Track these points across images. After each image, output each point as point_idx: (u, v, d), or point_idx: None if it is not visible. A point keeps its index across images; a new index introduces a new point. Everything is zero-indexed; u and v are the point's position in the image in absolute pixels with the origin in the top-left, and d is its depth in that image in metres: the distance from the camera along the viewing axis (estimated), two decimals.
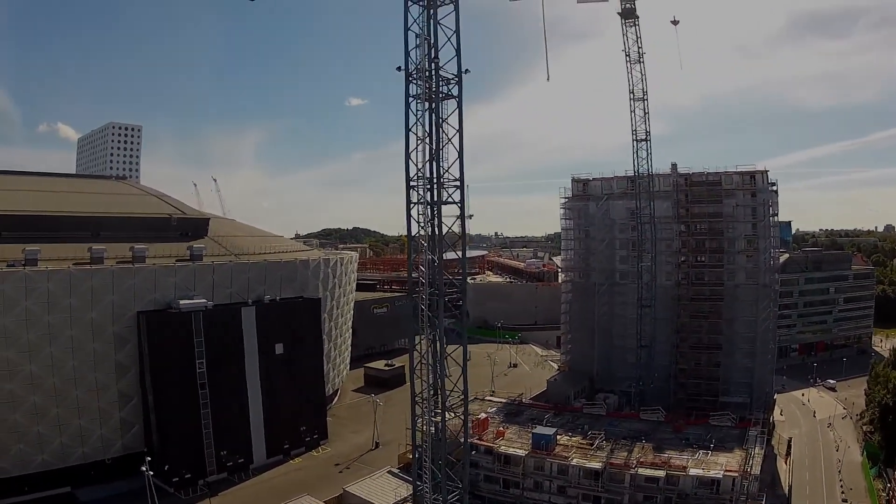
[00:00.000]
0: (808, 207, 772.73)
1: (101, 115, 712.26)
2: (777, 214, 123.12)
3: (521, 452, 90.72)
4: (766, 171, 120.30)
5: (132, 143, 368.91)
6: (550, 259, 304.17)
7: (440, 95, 59.03)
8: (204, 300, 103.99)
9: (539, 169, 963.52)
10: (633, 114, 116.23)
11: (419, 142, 59.27)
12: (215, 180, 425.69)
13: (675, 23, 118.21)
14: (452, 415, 66.46)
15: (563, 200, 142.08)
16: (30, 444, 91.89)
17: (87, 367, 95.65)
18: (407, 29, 58.62)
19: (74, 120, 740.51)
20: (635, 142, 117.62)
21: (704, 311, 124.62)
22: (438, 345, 63.04)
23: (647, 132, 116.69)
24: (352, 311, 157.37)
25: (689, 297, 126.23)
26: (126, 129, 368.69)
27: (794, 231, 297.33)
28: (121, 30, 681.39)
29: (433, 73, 58.78)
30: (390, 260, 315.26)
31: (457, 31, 58.71)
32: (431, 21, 58.39)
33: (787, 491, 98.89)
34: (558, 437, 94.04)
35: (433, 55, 58.63)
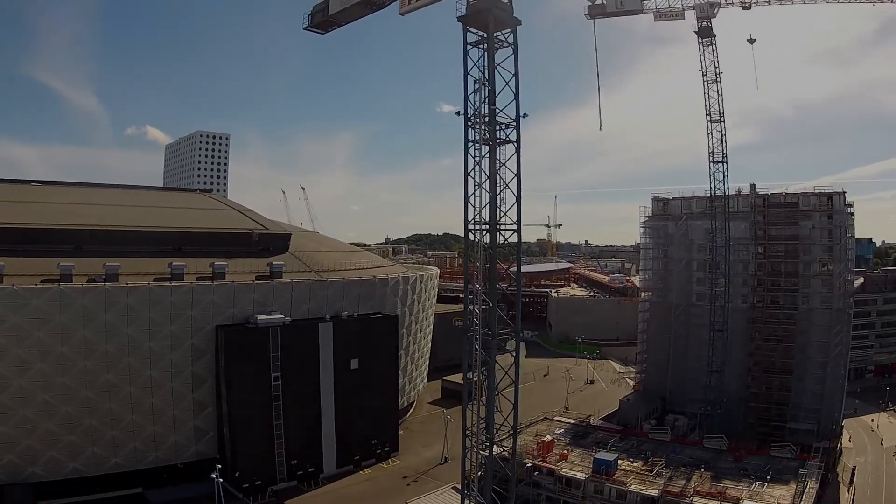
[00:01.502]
0: None
1: (191, 118, 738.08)
2: (853, 236, 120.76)
3: (582, 476, 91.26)
4: (844, 193, 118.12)
5: (220, 151, 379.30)
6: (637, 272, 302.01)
7: (497, 140, 60.70)
8: (281, 316, 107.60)
9: (631, 176, 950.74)
10: (710, 136, 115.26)
11: (476, 187, 61.17)
12: (303, 188, 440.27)
13: (751, 41, 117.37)
14: (501, 449, 67.54)
15: (643, 219, 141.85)
16: (104, 447, 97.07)
17: (164, 376, 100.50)
18: (467, 73, 60.54)
19: (163, 123, 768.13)
20: (712, 164, 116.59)
21: (778, 335, 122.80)
22: (489, 379, 63.89)
23: (723, 154, 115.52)
24: (431, 325, 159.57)
25: (764, 320, 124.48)
26: (213, 137, 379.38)
27: (879, 244, 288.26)
28: (210, 31, 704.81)
29: (491, 117, 60.44)
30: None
31: (515, 75, 60.41)
32: (490, 65, 60.07)
33: None
34: (620, 461, 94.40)
35: (492, 100, 60.28)
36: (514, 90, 60.27)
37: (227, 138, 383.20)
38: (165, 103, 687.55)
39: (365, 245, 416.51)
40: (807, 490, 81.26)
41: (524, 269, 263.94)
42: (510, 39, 60.29)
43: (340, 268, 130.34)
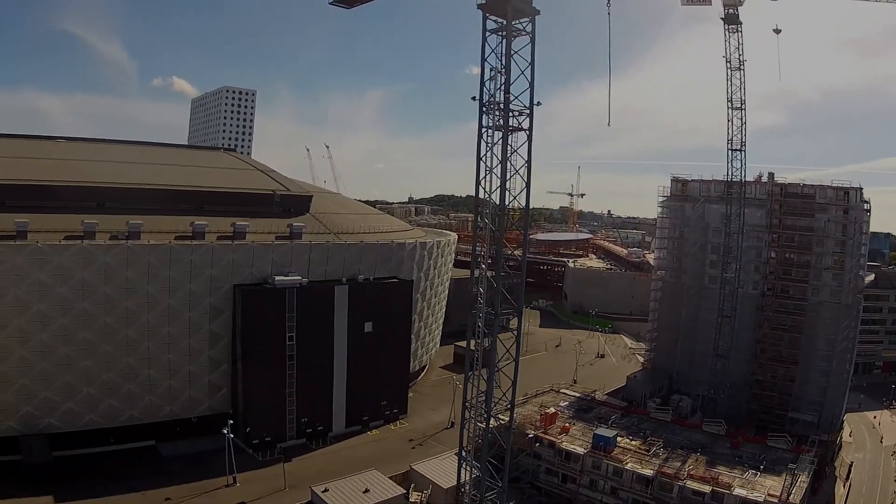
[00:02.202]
0: None
1: (218, 71, 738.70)
2: (867, 232, 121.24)
3: (581, 450, 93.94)
4: (861, 189, 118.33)
5: (246, 107, 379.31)
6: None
7: (510, 127, 62.01)
8: (299, 277, 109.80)
9: (656, 150, 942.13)
10: (730, 123, 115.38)
11: (487, 172, 62.71)
12: (327, 147, 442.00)
13: (777, 31, 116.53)
14: (499, 422, 69.78)
15: (661, 199, 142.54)
16: (120, 400, 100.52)
17: (182, 333, 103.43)
18: (484, 59, 61.62)
19: (190, 75, 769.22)
20: (731, 151, 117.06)
21: (786, 325, 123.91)
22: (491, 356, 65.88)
23: (742, 142, 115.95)
24: (447, 291, 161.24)
25: (773, 308, 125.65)
26: (240, 93, 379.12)
27: None
28: None
29: (506, 105, 61.61)
30: None
31: (532, 64, 61.41)
32: (506, 53, 61.00)
33: None
34: (619, 439, 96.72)
35: (506, 88, 61.39)
36: (528, 79, 61.26)
37: (253, 94, 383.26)
38: (193, 55, 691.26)
39: (388, 204, 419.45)
40: (797, 483, 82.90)
41: (544, 237, 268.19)
42: (528, 28, 61.08)
43: (360, 230, 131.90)
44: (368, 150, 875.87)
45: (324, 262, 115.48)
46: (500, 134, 62.68)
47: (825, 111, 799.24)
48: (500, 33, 61.10)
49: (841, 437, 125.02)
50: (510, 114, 61.82)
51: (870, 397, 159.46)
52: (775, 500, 78.05)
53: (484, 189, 63.78)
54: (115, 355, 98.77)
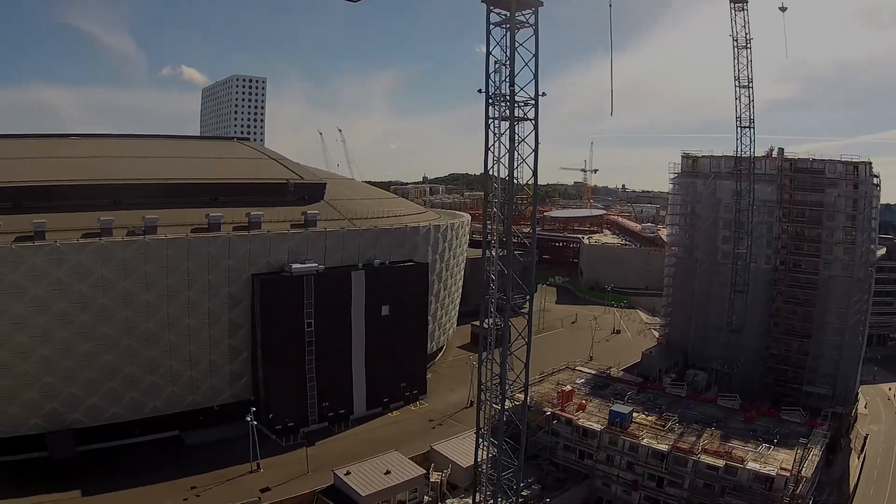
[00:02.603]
0: None
1: (227, 58, 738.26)
2: (878, 206, 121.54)
3: (598, 427, 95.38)
4: (870, 163, 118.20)
5: (257, 94, 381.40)
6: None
7: (516, 118, 63.02)
8: (315, 264, 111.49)
9: (669, 123, 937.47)
10: (737, 101, 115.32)
11: (495, 161, 63.98)
12: (340, 130, 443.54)
13: (782, 10, 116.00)
14: (511, 404, 71.25)
15: (672, 176, 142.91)
16: (143, 393, 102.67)
17: (201, 324, 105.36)
18: (489, 52, 62.55)
19: (199, 63, 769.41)
20: (739, 128, 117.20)
21: (799, 299, 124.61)
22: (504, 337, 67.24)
23: (750, 119, 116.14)
24: (462, 271, 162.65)
25: (786, 283, 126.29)
26: (250, 80, 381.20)
27: None
28: None
29: (511, 97, 62.49)
30: None
31: (535, 55, 62.20)
32: (511, 45, 61.81)
33: (852, 489, 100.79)
34: (635, 414, 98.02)
35: (511, 81, 62.23)
36: (533, 71, 62.11)
37: (263, 82, 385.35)
38: (201, 43, 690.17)
39: (402, 184, 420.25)
40: (810, 457, 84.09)
41: (558, 213, 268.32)
42: (532, 20, 61.87)
43: (374, 216, 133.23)
44: (381, 131, 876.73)
45: (339, 249, 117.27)
46: (507, 124, 63.62)
47: (838, 83, 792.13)
48: (504, 26, 61.87)
49: (856, 410, 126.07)
50: (516, 104, 62.68)
51: (884, 369, 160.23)
52: (787, 474, 79.12)
53: (492, 176, 64.89)
54: (136, 348, 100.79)
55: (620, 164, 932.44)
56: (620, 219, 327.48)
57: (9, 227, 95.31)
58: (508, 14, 61.27)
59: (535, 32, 61.86)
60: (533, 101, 62.81)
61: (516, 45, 61.38)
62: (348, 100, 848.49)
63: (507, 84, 62.22)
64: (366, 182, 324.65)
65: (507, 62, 61.67)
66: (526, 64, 61.87)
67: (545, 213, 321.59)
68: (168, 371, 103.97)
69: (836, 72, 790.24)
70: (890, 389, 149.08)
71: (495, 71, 62.37)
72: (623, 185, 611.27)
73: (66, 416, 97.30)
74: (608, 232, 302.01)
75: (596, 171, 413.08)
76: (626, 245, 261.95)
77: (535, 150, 63.67)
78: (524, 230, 68.36)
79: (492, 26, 61.99)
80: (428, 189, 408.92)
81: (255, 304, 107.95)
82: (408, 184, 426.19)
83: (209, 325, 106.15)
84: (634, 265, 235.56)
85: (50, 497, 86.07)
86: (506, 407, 69.48)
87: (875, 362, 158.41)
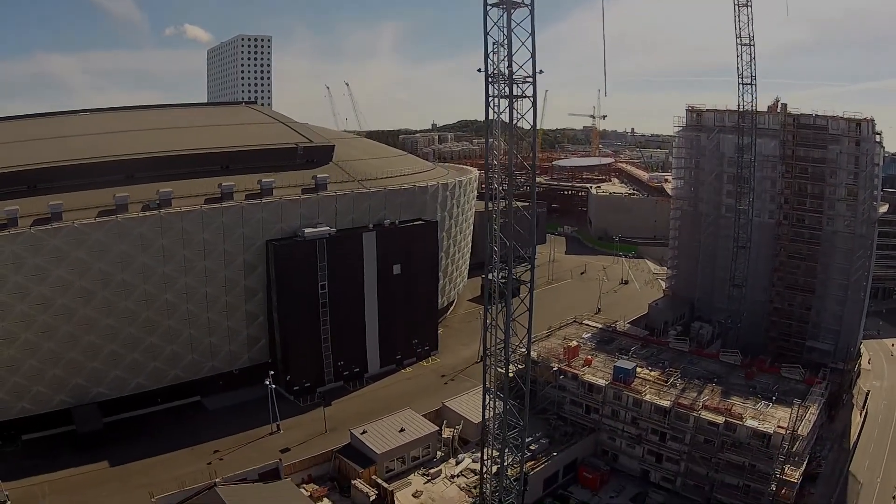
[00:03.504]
0: None
1: (229, 13, 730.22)
2: (880, 164, 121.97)
3: (603, 382, 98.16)
4: (872, 120, 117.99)
5: (262, 53, 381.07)
6: None
7: (514, 96, 64.59)
8: (327, 228, 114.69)
9: (682, 67, 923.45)
10: (739, 59, 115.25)
11: (493, 141, 66.00)
12: (347, 84, 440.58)
13: None
14: (515, 368, 74.07)
15: (676, 129, 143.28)
16: (164, 362, 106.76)
17: (219, 292, 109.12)
18: (487, 32, 64.07)
19: (202, 20, 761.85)
20: (741, 85, 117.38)
21: (802, 254, 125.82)
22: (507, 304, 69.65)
23: (752, 76, 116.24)
24: (471, 226, 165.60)
25: (789, 238, 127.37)
26: (255, 39, 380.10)
27: None
28: None
29: (510, 76, 64.09)
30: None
31: (532, 34, 63.62)
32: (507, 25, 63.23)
33: (852, 445, 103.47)
34: (639, 370, 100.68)
35: (509, 62, 63.79)
36: (530, 49, 63.45)
37: (269, 40, 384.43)
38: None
39: (411, 133, 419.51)
40: (807, 416, 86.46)
41: (566, 163, 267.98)
42: (528, 0, 63.26)
43: (383, 175, 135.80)
44: (389, 79, 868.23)
45: (350, 211, 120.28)
46: (507, 102, 65.43)
47: (851, 27, 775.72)
48: (501, 6, 63.27)
49: (860, 365, 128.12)
50: (514, 83, 64.38)
51: (889, 323, 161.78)
52: (783, 432, 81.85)
53: (496, 153, 66.95)
54: (156, 320, 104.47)
55: (632, 107, 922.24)
56: (629, 167, 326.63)
57: (26, 209, 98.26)
58: None
59: (532, 13, 63.05)
60: (531, 79, 64.48)
61: (513, 25, 62.93)
62: (355, 49, 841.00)
63: (506, 64, 63.93)
64: (374, 132, 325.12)
65: (505, 43, 63.26)
66: (523, 43, 63.34)
67: (553, 163, 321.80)
68: (188, 339, 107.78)
69: (845, 18, 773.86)
70: (893, 345, 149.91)
71: (494, 51, 63.95)
72: (633, 129, 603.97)
73: (90, 389, 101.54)
74: (616, 180, 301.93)
75: (604, 117, 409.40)
76: (633, 195, 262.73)
77: (533, 128, 65.64)
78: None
79: (489, 7, 63.35)
80: (437, 137, 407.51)
81: (269, 269, 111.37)
82: (416, 134, 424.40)
83: (226, 292, 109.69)
84: (642, 215, 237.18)
85: (80, 470, 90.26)
86: (510, 370, 72.08)
87: (880, 316, 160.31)
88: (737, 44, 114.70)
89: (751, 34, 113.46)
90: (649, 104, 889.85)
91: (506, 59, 63.96)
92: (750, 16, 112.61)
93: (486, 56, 64.25)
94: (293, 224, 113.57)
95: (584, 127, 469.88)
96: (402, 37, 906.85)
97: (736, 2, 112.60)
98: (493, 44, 63.79)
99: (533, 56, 63.59)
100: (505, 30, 63.23)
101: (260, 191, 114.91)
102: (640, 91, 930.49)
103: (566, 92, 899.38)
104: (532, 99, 65.30)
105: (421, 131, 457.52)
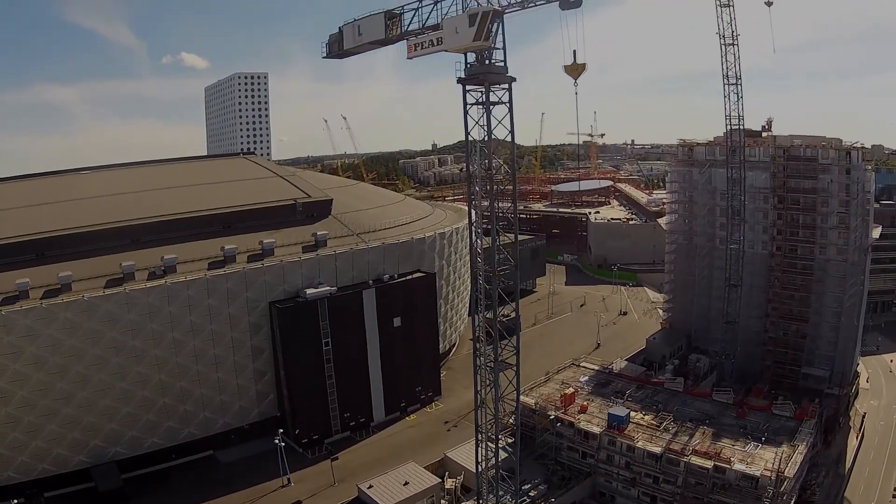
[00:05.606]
0: None
1: (225, 41, 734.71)
2: (871, 192, 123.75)
3: (597, 429, 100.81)
4: (862, 149, 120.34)
5: (259, 90, 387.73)
6: None
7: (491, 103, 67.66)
8: (327, 288, 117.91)
9: (680, 71, 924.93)
10: (723, 59, 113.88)
11: (473, 150, 69.86)
12: (345, 118, 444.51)
13: (769, 4, 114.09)
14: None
15: (669, 164, 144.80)
16: (178, 421, 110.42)
17: (226, 352, 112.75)
18: (467, 133, 67.91)
19: (198, 48, 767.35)
20: (727, 86, 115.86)
21: (796, 284, 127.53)
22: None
23: (737, 76, 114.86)
24: (469, 269, 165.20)
25: (782, 269, 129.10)
26: (252, 77, 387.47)
27: None
28: None
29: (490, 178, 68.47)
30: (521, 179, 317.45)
31: (511, 132, 67.93)
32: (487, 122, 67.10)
33: (847, 470, 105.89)
34: (633, 414, 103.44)
35: (489, 164, 67.86)
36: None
37: (265, 77, 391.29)
38: (198, 28, 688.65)
39: (411, 156, 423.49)
40: (794, 456, 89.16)
41: (564, 188, 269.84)
42: (506, 98, 66.94)
43: (381, 227, 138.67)
44: (389, 98, 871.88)
45: (350, 268, 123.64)
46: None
47: (857, 23, 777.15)
48: (481, 104, 67.14)
49: (857, 385, 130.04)
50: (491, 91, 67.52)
51: (888, 337, 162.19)
52: (769, 474, 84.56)
53: (474, 160, 70.71)
54: (168, 382, 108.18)
55: (629, 117, 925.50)
56: (628, 188, 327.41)
57: (36, 279, 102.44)
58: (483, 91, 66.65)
59: (510, 110, 67.01)
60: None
61: (493, 122, 66.94)
62: (354, 69, 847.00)
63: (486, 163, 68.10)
64: (374, 155, 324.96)
65: (486, 140, 67.31)
66: (506, 128, 67.78)
67: (552, 188, 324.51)
68: (200, 398, 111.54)
69: (851, 15, 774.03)
70: (892, 361, 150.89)
71: (473, 151, 67.97)
72: (632, 141, 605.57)
73: (108, 449, 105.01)
74: (615, 203, 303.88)
75: (603, 135, 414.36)
76: (632, 220, 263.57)
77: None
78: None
79: (468, 107, 67.15)
80: (437, 161, 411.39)
81: (274, 329, 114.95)
82: (416, 158, 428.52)
83: (234, 352, 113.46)
84: (641, 240, 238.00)
85: None
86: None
87: (879, 330, 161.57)
88: (721, 44, 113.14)
89: (734, 33, 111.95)
90: (645, 111, 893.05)
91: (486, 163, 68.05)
92: (732, 15, 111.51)
93: (469, 153, 68.48)
94: (295, 284, 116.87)
95: (583, 142, 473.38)
96: (401, 55, 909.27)
97: (718, 3, 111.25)
98: (473, 142, 67.79)
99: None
100: (485, 118, 67.35)
101: (261, 251, 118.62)
102: (641, 95, 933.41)
103: (565, 102, 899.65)
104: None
105: (421, 152, 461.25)
